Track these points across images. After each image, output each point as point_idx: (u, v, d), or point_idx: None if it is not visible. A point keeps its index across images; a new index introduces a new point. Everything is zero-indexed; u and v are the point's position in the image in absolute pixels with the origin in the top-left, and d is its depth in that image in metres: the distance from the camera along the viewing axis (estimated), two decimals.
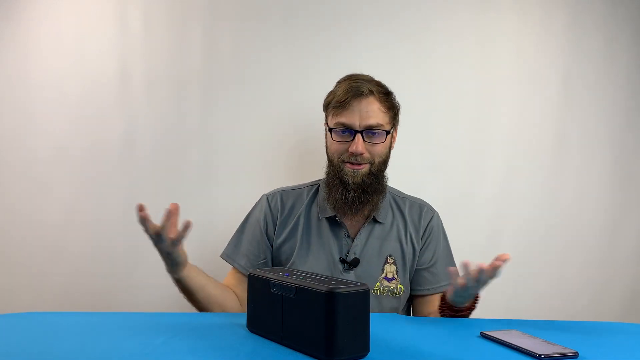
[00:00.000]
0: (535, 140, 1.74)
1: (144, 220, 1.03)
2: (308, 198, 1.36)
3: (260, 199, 1.39)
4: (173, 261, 1.12)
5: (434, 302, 1.31)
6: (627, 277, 1.77)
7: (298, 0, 1.67)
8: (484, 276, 1.01)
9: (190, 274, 1.17)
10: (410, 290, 1.35)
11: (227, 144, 1.66)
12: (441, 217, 1.41)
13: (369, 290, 0.78)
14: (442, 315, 1.15)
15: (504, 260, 1.00)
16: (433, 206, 1.41)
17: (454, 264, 1.37)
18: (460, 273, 1.05)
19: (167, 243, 1.06)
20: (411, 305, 1.38)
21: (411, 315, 1.39)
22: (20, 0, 1.62)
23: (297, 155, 1.68)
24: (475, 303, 1.13)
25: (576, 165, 1.75)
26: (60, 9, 1.63)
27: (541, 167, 1.74)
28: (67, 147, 1.63)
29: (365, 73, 1.33)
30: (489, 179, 1.73)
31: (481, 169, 1.72)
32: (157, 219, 1.63)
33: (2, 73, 1.62)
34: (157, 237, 1.05)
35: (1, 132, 1.63)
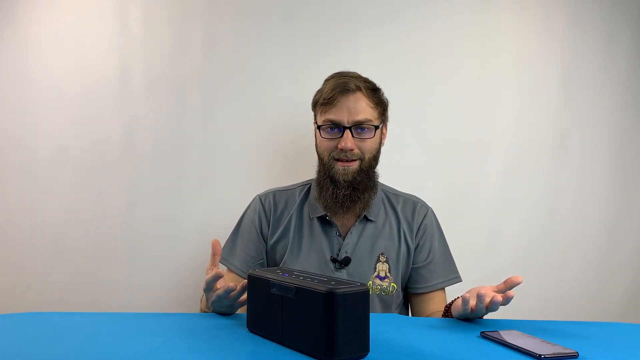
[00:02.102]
0: (535, 140, 1.74)
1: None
2: (300, 198, 1.36)
3: (253, 200, 1.39)
4: (225, 308, 1.05)
5: (434, 299, 1.31)
6: (627, 277, 1.77)
7: (298, 0, 1.67)
8: (496, 306, 0.99)
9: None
10: (408, 289, 1.35)
11: (227, 144, 1.66)
12: (441, 217, 1.40)
13: (369, 290, 0.77)
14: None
15: (517, 284, 0.99)
16: (431, 205, 1.40)
17: (451, 259, 1.37)
18: (473, 302, 1.01)
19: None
20: (409, 304, 1.38)
21: (409, 314, 1.39)
22: (20, 1, 1.62)
23: (298, 155, 1.68)
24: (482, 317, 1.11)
25: (576, 165, 1.75)
26: (60, 9, 1.63)
27: (541, 167, 1.74)
28: (67, 147, 1.63)
29: (364, 73, 1.33)
30: (489, 179, 1.73)
31: (481, 169, 1.72)
32: (156, 218, 1.64)
33: (2, 73, 1.62)
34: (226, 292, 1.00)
35: (1, 132, 1.63)
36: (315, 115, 1.34)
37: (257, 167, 1.67)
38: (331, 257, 1.29)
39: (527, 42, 1.74)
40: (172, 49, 1.65)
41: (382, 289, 1.28)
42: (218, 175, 1.66)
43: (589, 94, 1.75)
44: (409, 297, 1.37)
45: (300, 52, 1.67)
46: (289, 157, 1.68)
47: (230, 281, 1.30)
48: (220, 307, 1.04)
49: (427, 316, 1.31)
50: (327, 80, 1.32)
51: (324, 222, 1.32)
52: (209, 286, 1.02)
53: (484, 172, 1.72)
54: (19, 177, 1.62)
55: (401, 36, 1.70)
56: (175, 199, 1.65)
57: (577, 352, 0.80)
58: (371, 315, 0.78)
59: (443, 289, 1.34)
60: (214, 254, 1.07)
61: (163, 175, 1.65)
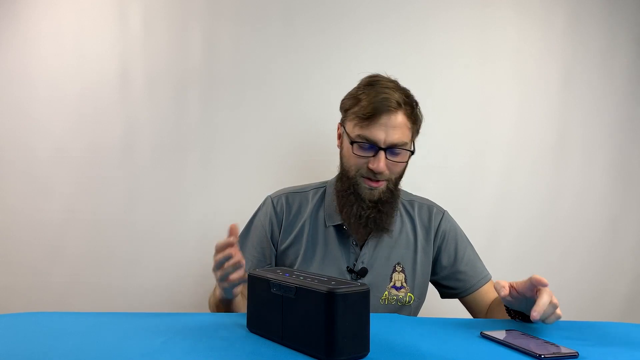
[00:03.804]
0: (535, 140, 1.74)
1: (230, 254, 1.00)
2: (314, 202, 1.30)
3: (264, 201, 1.33)
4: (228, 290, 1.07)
5: (486, 292, 1.28)
6: (627, 277, 1.77)
7: (298, 1, 1.67)
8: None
9: (239, 298, 1.16)
10: (454, 295, 1.31)
11: (227, 144, 1.66)
12: None
13: (369, 290, 0.77)
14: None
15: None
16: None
17: (475, 252, 1.33)
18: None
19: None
20: (468, 310, 1.33)
21: (472, 316, 1.33)
22: (20, 1, 1.62)
23: (297, 155, 1.68)
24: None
25: (576, 165, 1.75)
26: (60, 9, 1.63)
27: (541, 167, 1.74)
28: (67, 148, 1.63)
29: (364, 73, 1.27)
30: (489, 179, 1.73)
31: (481, 169, 1.72)
32: (155, 218, 1.64)
33: (2, 73, 1.62)
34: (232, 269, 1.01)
35: (1, 132, 1.63)
36: (344, 120, 1.23)
37: (257, 167, 1.67)
38: (347, 267, 1.25)
39: (527, 41, 1.74)
40: (172, 49, 1.65)
41: (398, 299, 1.25)
42: (218, 176, 1.66)
43: (589, 93, 1.76)
44: (463, 303, 1.32)
45: (300, 52, 1.67)
46: (289, 157, 1.68)
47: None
48: (222, 279, 1.04)
49: (489, 308, 1.26)
50: (365, 85, 1.20)
51: (341, 230, 1.26)
52: (221, 263, 1.01)
53: (484, 171, 1.73)
54: (19, 177, 1.62)
55: (401, 36, 1.70)
56: (174, 199, 1.65)
57: (577, 352, 0.80)
58: (371, 315, 0.77)
59: (489, 281, 1.30)
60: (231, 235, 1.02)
61: (163, 176, 1.65)
